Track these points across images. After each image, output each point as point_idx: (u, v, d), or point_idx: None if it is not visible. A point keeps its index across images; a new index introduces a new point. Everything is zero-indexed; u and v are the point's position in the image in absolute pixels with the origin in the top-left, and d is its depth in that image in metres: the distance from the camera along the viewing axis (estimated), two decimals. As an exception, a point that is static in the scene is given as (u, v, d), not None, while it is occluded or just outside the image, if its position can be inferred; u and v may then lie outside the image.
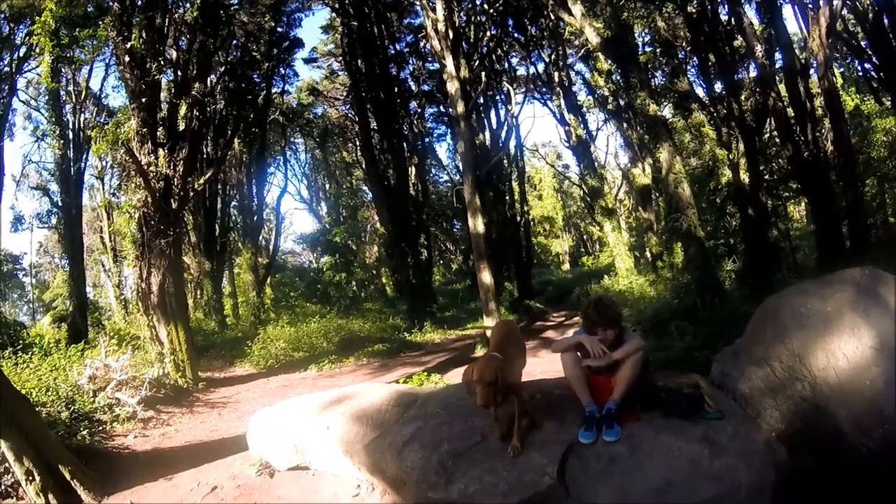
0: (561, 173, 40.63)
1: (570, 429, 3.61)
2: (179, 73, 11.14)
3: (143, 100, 9.78)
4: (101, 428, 6.53)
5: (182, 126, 10.61)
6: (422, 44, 24.67)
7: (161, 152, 9.99)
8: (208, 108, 16.22)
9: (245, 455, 5.26)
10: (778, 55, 12.15)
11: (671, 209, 10.71)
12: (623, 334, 3.79)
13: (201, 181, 11.35)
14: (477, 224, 12.71)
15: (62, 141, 17.64)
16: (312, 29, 75.16)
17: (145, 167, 9.49)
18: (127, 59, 9.75)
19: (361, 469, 4.25)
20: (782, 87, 11.71)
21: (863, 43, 14.65)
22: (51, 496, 4.60)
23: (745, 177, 12.45)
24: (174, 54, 11.63)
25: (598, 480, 3.24)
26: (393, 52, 23.70)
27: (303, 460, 4.68)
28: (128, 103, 10.40)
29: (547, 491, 3.24)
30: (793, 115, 10.90)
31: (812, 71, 11.64)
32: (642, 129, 20.05)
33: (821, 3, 10.21)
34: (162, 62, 10.41)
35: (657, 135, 11.19)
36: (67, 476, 4.71)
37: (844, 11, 13.04)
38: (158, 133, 10.18)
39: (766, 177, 13.03)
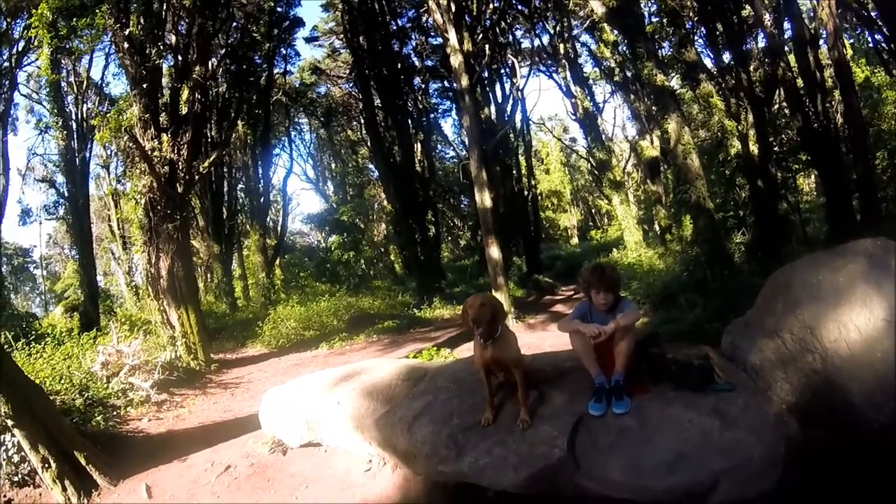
0: (568, 147, 40.22)
1: (580, 401, 3.63)
2: (180, 57, 11.03)
3: (144, 85, 9.70)
4: (115, 413, 6.62)
5: (185, 110, 10.56)
6: (424, 18, 24.31)
7: (164, 137, 9.96)
8: (210, 92, 16.14)
9: (258, 434, 5.34)
10: (787, 25, 11.84)
11: (680, 181, 10.59)
12: (623, 303, 3.81)
13: (206, 164, 11.33)
14: (484, 199, 12.65)
15: (65, 132, 17.61)
16: (312, 7, 73.85)
17: (149, 153, 9.47)
18: (126, 45, 9.67)
19: (372, 444, 4.30)
20: (791, 58, 11.44)
21: (873, 13, 14.20)
22: (67, 482, 4.69)
23: (754, 148, 12.24)
24: (173, 39, 11.53)
25: (608, 453, 3.27)
26: (395, 27, 23.34)
27: (315, 437, 4.75)
28: (129, 90, 10.36)
29: (557, 463, 3.27)
30: (802, 86, 10.66)
31: (821, 41, 11.36)
32: (650, 101, 19.71)
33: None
34: (161, 47, 10.30)
35: (665, 106, 11.00)
36: (83, 462, 4.81)
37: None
38: (161, 118, 10.13)
39: (776, 148, 12.79)
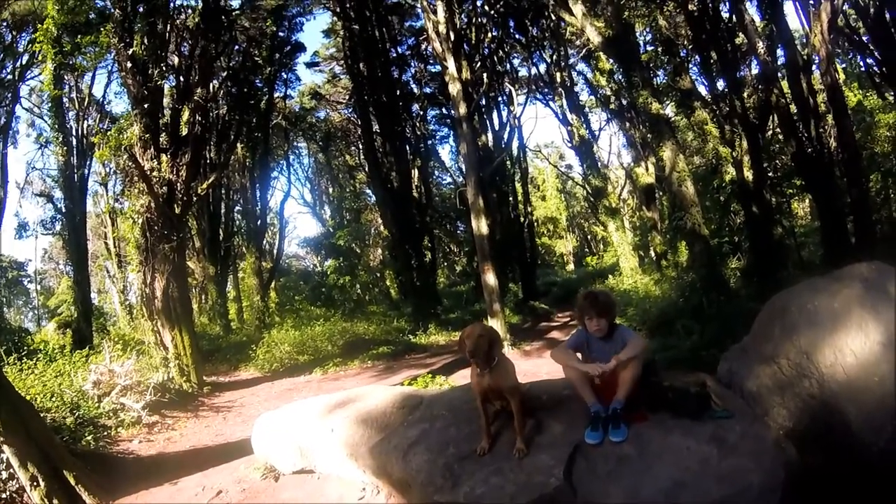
0: (564, 173, 40.62)
1: (578, 429, 3.57)
2: (181, 78, 11.18)
3: (146, 105, 9.82)
4: (105, 433, 6.56)
5: (185, 131, 10.65)
6: (423, 46, 24.73)
7: (164, 158, 10.03)
8: (211, 114, 16.27)
9: (250, 459, 5.27)
10: (780, 52, 12.08)
11: (675, 207, 10.68)
12: (621, 331, 3.78)
13: (204, 186, 11.39)
14: (480, 225, 12.70)
15: (65, 147, 17.68)
16: (314, 33, 75.48)
17: (148, 173, 9.53)
18: (129, 65, 9.81)
19: (366, 472, 4.23)
20: (785, 85, 11.65)
21: (864, 38, 14.55)
22: (55, 501, 4.60)
23: (748, 174, 12.38)
24: (176, 60, 11.69)
25: (606, 481, 3.20)
26: (394, 55, 23.76)
27: (308, 463, 4.67)
28: (130, 109, 10.45)
29: (554, 492, 3.20)
30: (796, 111, 10.84)
31: (814, 67, 11.59)
32: (645, 128, 20.01)
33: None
34: (164, 68, 10.45)
35: (660, 133, 11.16)
36: (72, 481, 4.73)
37: (846, 7, 12.98)
38: (161, 138, 10.21)
39: (770, 174, 12.94)
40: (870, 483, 3.07)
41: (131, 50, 9.71)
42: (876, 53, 13.48)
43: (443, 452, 3.70)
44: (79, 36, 10.20)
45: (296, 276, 29.10)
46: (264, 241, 26.10)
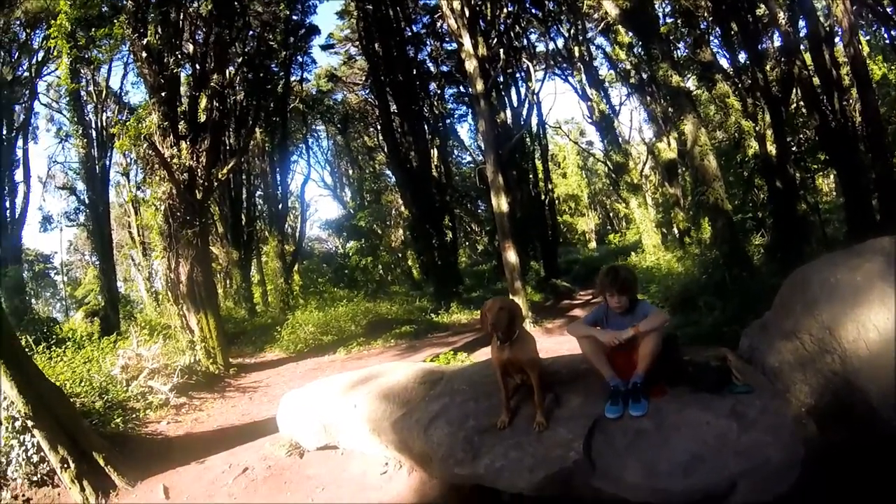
0: (585, 150, 40.02)
1: (596, 403, 3.64)
2: (197, 65, 11.25)
3: (163, 94, 9.92)
4: (134, 415, 6.74)
5: (203, 118, 10.76)
6: (438, 24, 24.44)
7: (183, 145, 10.14)
8: (228, 100, 16.39)
9: (275, 437, 5.41)
10: (802, 23, 11.67)
11: (697, 182, 10.45)
12: (642, 306, 3.79)
13: (224, 171, 11.53)
14: (501, 203, 12.66)
15: (85, 140, 18.04)
16: (328, 15, 74.68)
17: (168, 160, 9.67)
18: (144, 55, 9.89)
19: (389, 447, 4.34)
20: (807, 57, 11.27)
21: (889, 10, 13.92)
22: (85, 482, 4.79)
23: (771, 149, 12.06)
24: (191, 48, 11.77)
25: (624, 455, 3.26)
26: (410, 34, 23.48)
27: (331, 440, 4.80)
28: (147, 98, 10.59)
29: (573, 466, 3.27)
30: (819, 84, 10.49)
31: (837, 39, 11.17)
32: (666, 102, 19.57)
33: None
34: (179, 56, 10.52)
35: (681, 106, 10.90)
36: (101, 462, 4.92)
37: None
38: (180, 126, 10.32)
39: (794, 148, 12.58)
40: (891, 461, 3.03)
41: (146, 40, 9.78)
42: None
43: (463, 426, 3.78)
44: (93, 29, 10.28)
45: (318, 259, 29.46)
46: (286, 225, 26.38)
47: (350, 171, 35.48)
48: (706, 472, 3.00)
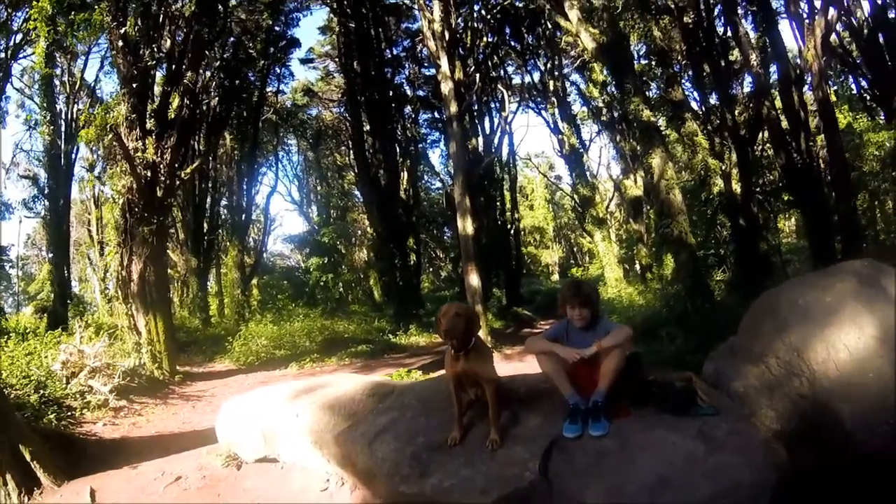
0: (553, 183, 40.71)
1: (557, 423, 3.36)
2: (173, 62, 10.95)
3: (135, 85, 9.61)
4: (70, 414, 6.33)
5: (172, 115, 10.42)
6: (418, 48, 24.70)
7: (149, 140, 9.79)
8: (201, 101, 16.05)
9: (214, 447, 5.00)
10: (773, 67, 12.15)
11: (662, 215, 10.61)
12: (604, 322, 3.63)
13: (188, 171, 11.17)
14: (466, 225, 12.57)
15: (52, 127, 17.42)
16: (310, 29, 74.89)
17: (132, 153, 9.28)
18: (121, 44, 9.63)
19: (331, 461, 4.00)
20: (778, 102, 11.69)
21: (857, 60, 14.71)
22: (9, 476, 4.40)
23: (737, 187, 12.40)
24: (168, 43, 11.47)
25: (585, 476, 3.00)
26: (389, 55, 23.66)
27: (271, 451, 4.41)
28: (119, 88, 10.25)
29: (529, 486, 3.01)
30: (786, 125, 10.87)
31: (806, 87, 11.66)
32: (635, 141, 20.08)
33: (816, 14, 10.21)
34: (156, 49, 10.24)
35: (650, 140, 11.14)
36: (28, 457, 4.50)
37: (840, 28, 13.13)
38: (148, 121, 10.01)
39: (759, 189, 12.97)
40: (864, 484, 2.92)
41: (124, 30, 9.53)
42: (868, 74, 13.60)
43: (411, 442, 3.49)
44: (73, 13, 9.92)
45: (279, 275, 28.69)
46: (248, 237, 25.75)
47: (318, 189, 35.08)
48: (674, 494, 2.78)
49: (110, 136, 9.24)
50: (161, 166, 9.86)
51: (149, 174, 9.58)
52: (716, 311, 8.74)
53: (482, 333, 11.17)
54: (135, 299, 9.23)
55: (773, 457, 2.98)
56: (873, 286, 3.31)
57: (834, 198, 10.47)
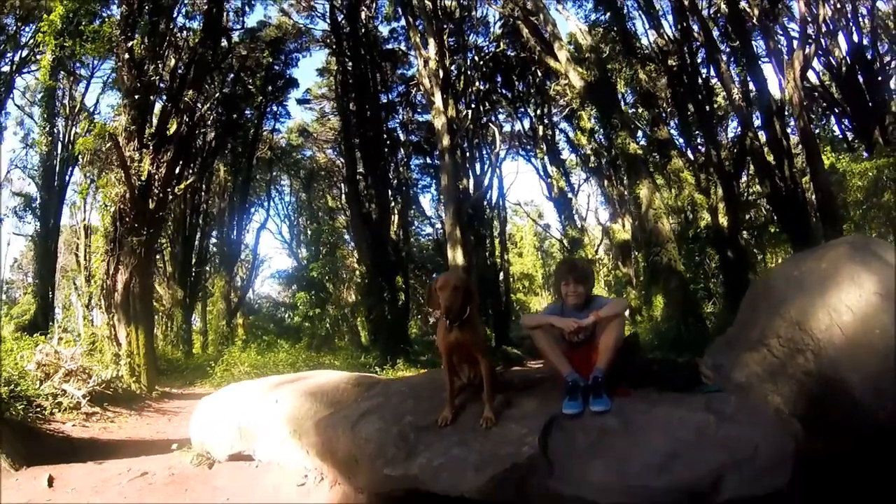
0: (543, 230, 41.10)
1: (553, 405, 3.15)
2: (176, 80, 11.19)
3: (136, 97, 9.71)
4: (39, 412, 5.98)
5: (171, 131, 10.51)
6: (412, 93, 25.36)
7: (146, 152, 9.82)
8: (199, 128, 16.26)
9: (185, 447, 4.71)
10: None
11: (651, 244, 10.66)
12: (598, 300, 3.48)
13: (182, 186, 11.11)
14: (456, 255, 12.55)
15: (50, 139, 17.55)
16: (308, 71, 77.13)
17: (128, 161, 9.25)
18: (126, 56, 9.78)
19: (310, 452, 3.70)
20: (761, 135, 12.03)
21: (836, 97, 15.24)
22: None
23: (723, 220, 12.57)
24: (173, 61, 11.72)
25: (588, 454, 2.78)
26: (385, 100, 24.21)
27: (246, 447, 4.11)
28: (121, 100, 10.46)
29: (527, 463, 2.76)
30: (771, 154, 11.13)
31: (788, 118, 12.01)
32: (622, 186, 20.48)
33: (794, 47, 10.67)
34: (160, 65, 10.43)
35: (637, 172, 11.34)
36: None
37: (819, 67, 13.72)
38: (146, 133, 10.06)
39: (745, 224, 13.16)
40: (880, 460, 2.73)
41: (131, 44, 9.72)
42: (847, 109, 14.05)
43: (398, 422, 3.25)
44: (82, 24, 10.11)
45: (265, 316, 28.19)
46: (235, 274, 25.48)
47: (308, 232, 35.01)
48: (686, 466, 2.57)
49: (108, 144, 9.22)
50: (156, 178, 9.85)
51: (143, 185, 9.53)
52: (707, 331, 8.64)
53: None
54: (117, 309, 8.97)
55: (789, 427, 2.81)
56: (867, 252, 3.25)
57: (821, 226, 10.60)
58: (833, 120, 16.97)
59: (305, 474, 3.81)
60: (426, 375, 4.07)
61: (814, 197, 10.66)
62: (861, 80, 12.33)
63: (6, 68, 17.25)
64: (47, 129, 17.42)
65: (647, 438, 2.76)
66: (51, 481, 4.04)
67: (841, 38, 14.23)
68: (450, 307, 3.13)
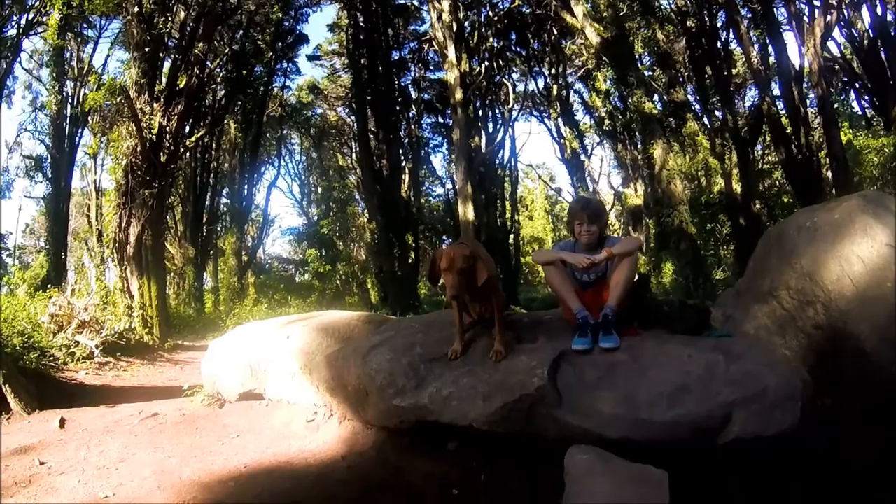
0: (554, 193, 40.72)
1: (563, 340, 3.17)
2: (186, 33, 11.03)
3: (146, 50, 9.60)
4: (52, 361, 6.10)
5: (182, 83, 10.42)
6: (425, 50, 24.84)
7: (157, 105, 9.76)
8: (208, 84, 16.10)
9: (196, 389, 4.83)
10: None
11: (663, 205, 10.54)
12: (610, 240, 3.40)
13: (193, 139, 11.10)
14: (467, 211, 12.49)
15: (59, 97, 17.59)
16: (318, 26, 75.58)
17: (139, 114, 9.22)
18: (136, 10, 9.63)
19: (320, 388, 3.78)
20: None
21: (857, 70, 14.80)
22: None
23: (737, 187, 12.38)
24: (182, 15, 11.53)
25: (597, 387, 2.80)
26: (396, 57, 23.75)
27: (257, 385, 4.21)
28: (130, 54, 10.31)
29: (536, 394, 2.78)
30: (787, 119, 10.88)
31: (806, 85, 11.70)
32: (636, 150, 20.13)
33: (816, 14, 10.30)
34: (169, 18, 10.27)
35: (652, 131, 11.13)
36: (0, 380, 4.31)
37: (841, 40, 13.25)
38: (157, 87, 10.02)
39: (760, 188, 12.96)
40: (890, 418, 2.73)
41: None
42: (868, 84, 13.66)
43: (408, 352, 3.29)
44: None
45: (275, 276, 28.45)
46: (246, 234, 25.61)
47: (319, 190, 34.94)
48: (695, 401, 2.58)
49: (119, 98, 9.16)
50: (167, 131, 9.83)
51: (154, 138, 9.52)
52: (716, 294, 8.61)
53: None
54: (130, 262, 9.10)
55: (799, 373, 2.82)
56: (879, 205, 3.19)
57: (835, 194, 10.43)
58: (853, 95, 16.50)
59: (315, 410, 3.90)
60: (437, 313, 4.10)
61: (828, 171, 10.43)
62: (883, 54, 11.89)
63: (13, 31, 17.03)
64: (56, 88, 17.27)
65: (656, 373, 2.77)
66: (62, 423, 4.15)
67: (865, 10, 13.71)
68: (455, 294, 3.07)
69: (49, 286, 15.70)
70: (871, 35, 13.17)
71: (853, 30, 13.82)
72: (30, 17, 17.16)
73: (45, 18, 16.00)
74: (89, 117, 16.47)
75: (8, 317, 6.42)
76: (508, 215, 25.46)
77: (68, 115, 18.67)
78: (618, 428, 2.65)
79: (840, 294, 3.02)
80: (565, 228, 3.84)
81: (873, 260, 2.94)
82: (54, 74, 17.41)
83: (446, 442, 3.20)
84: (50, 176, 19.38)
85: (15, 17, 16.86)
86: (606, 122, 25.67)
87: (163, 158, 9.74)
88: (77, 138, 19.35)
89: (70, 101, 18.86)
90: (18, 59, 18.63)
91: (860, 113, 17.38)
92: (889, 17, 13.16)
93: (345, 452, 3.47)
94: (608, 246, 3.28)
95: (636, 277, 3.37)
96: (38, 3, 15.99)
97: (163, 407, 4.66)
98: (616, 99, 22.78)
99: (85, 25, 18.24)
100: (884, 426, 2.79)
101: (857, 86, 15.71)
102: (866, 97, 15.31)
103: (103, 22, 18.42)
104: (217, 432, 3.99)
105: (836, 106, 19.85)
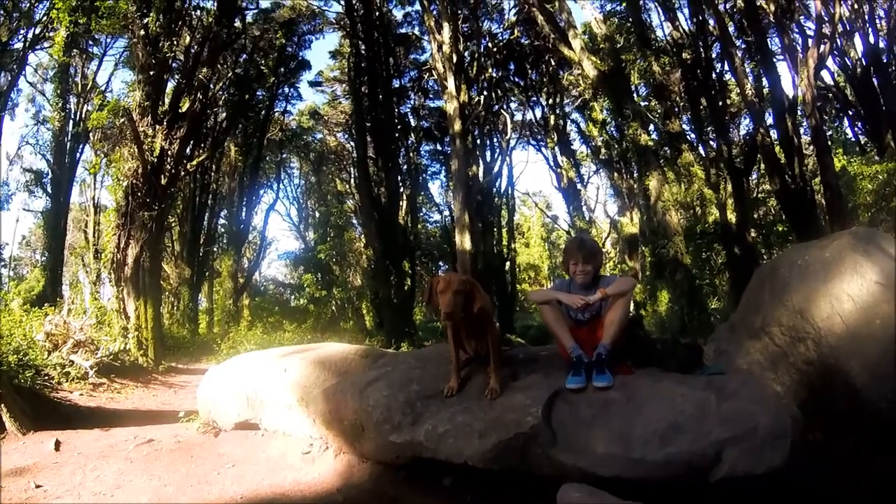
0: (550, 221, 40.96)
1: (558, 378, 3.21)
2: (190, 57, 11.22)
3: (150, 73, 9.75)
4: (47, 380, 6.09)
5: (184, 107, 10.56)
6: (425, 79, 25.26)
7: (160, 127, 9.88)
8: (212, 107, 16.31)
9: (193, 418, 4.81)
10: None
11: (658, 236, 10.64)
12: (605, 279, 3.47)
13: (194, 162, 11.20)
14: (464, 240, 12.57)
15: (63, 114, 17.68)
16: (321, 53, 76.79)
17: (141, 136, 9.33)
18: (142, 33, 9.81)
19: (316, 421, 3.79)
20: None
21: (850, 98, 15.12)
22: None
23: (731, 216, 12.53)
24: (188, 39, 11.75)
25: (591, 425, 2.84)
26: (397, 85, 24.13)
27: (253, 415, 4.20)
28: (135, 76, 10.46)
29: (531, 432, 2.81)
30: (780, 150, 11.06)
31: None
32: (632, 179, 20.38)
33: (809, 45, 10.58)
34: (174, 42, 10.48)
35: (647, 163, 11.30)
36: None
37: (834, 68, 13.57)
38: (160, 109, 10.12)
39: (754, 216, 13.10)
40: (881, 453, 2.77)
41: (146, 20, 9.75)
42: (861, 111, 13.94)
43: (405, 388, 3.33)
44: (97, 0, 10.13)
45: (271, 299, 28.35)
46: (243, 256, 25.61)
47: (317, 214, 35.05)
48: (687, 440, 2.62)
49: (122, 119, 9.28)
50: (168, 154, 9.92)
51: (155, 161, 9.61)
52: (711, 325, 8.66)
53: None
54: (127, 283, 9.10)
55: (789, 409, 2.85)
56: (869, 242, 3.27)
57: (829, 226, 10.54)
58: (846, 122, 16.85)
59: (311, 442, 3.90)
60: (433, 348, 4.14)
61: (822, 198, 10.60)
62: (875, 82, 12.19)
63: (19, 45, 17.29)
64: (60, 104, 17.47)
65: (650, 412, 2.81)
66: (58, 445, 4.14)
67: (857, 39, 14.10)
68: (450, 312, 3.11)
69: (45, 304, 15.78)
70: (864, 63, 13.50)
71: (846, 58, 14.18)
72: (36, 31, 17.50)
73: (51, 34, 16.34)
74: (91, 135, 16.65)
75: (4, 334, 6.41)
76: (505, 243, 25.54)
77: (70, 131, 18.83)
78: (611, 466, 2.67)
79: (830, 331, 3.07)
80: (561, 267, 3.88)
81: (863, 297, 3.00)
82: (58, 91, 17.55)
83: (442, 476, 3.20)
84: (50, 191, 19.41)
85: (22, 31, 17.19)
86: (603, 151, 26.01)
87: (163, 181, 9.82)
88: (78, 154, 19.57)
89: (73, 117, 19.07)
90: (23, 73, 18.98)
91: (854, 140, 17.74)
92: (881, 45, 13.53)
93: (340, 485, 3.46)
94: (602, 286, 3.35)
95: (630, 316, 3.44)
96: (45, 19, 16.35)
97: (158, 433, 4.64)
98: (612, 128, 23.10)
99: (90, 42, 18.59)
100: (875, 461, 2.83)
101: (851, 113, 16.02)
102: (860, 124, 15.60)
103: (108, 40, 18.81)
104: (213, 461, 3.97)
105: (829, 133, 20.28)
